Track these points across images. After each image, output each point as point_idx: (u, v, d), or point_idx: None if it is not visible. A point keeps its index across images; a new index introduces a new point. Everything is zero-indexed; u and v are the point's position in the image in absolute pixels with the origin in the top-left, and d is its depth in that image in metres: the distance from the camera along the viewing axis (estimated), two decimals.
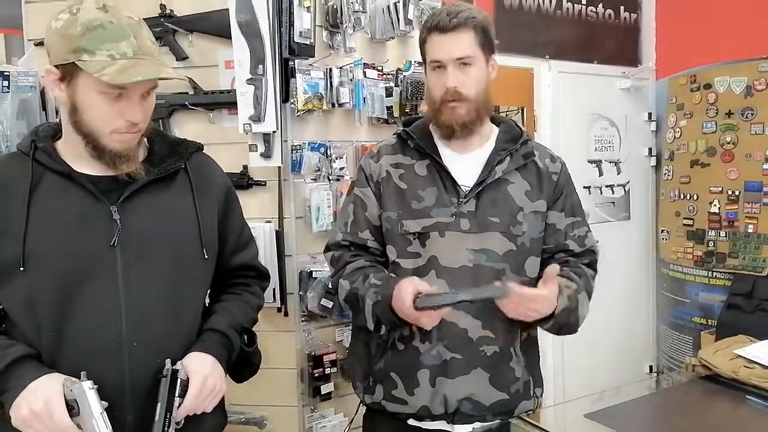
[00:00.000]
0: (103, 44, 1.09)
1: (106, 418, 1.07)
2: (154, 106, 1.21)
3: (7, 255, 1.14)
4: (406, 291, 1.31)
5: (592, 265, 1.55)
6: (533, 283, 1.44)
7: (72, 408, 1.07)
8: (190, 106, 1.99)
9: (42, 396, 1.07)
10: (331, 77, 2.00)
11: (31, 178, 1.17)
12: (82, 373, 1.09)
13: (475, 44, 1.41)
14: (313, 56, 1.97)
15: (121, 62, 1.09)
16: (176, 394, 1.15)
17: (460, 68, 1.41)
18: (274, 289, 1.94)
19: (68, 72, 1.12)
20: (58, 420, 1.06)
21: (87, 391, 1.07)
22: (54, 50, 1.13)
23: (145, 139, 1.28)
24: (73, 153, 1.20)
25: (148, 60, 1.13)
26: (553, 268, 1.34)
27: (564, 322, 1.42)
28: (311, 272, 2.00)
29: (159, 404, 1.13)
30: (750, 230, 2.91)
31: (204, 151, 1.36)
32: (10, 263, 1.14)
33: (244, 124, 1.89)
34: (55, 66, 1.13)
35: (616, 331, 3.68)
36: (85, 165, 1.19)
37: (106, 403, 1.09)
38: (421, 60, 1.54)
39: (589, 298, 1.49)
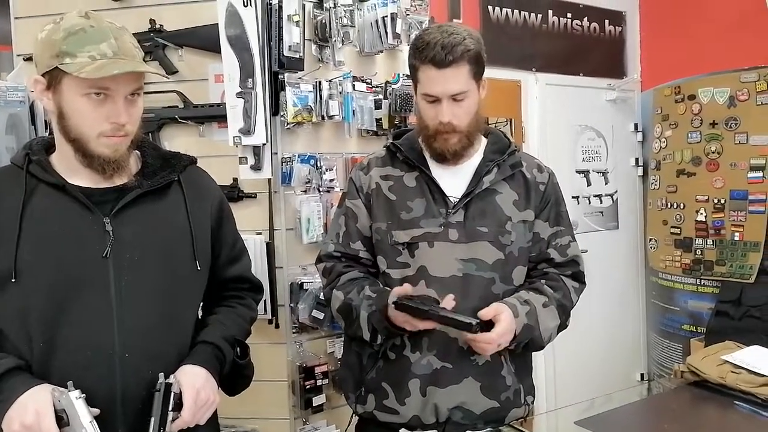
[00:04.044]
0: (84, 47, 1.11)
1: (96, 426, 1.06)
2: (141, 110, 1.22)
3: None
4: (392, 293, 1.35)
5: (577, 277, 1.55)
6: (516, 290, 1.48)
7: (62, 418, 1.07)
8: (179, 120, 2.00)
9: (32, 409, 1.06)
10: (320, 90, 2.01)
11: (25, 191, 1.17)
12: (69, 382, 1.09)
13: (469, 76, 1.40)
14: (303, 69, 1.99)
15: (100, 62, 1.11)
16: (170, 408, 1.14)
17: (455, 102, 1.40)
18: (264, 301, 1.93)
19: (53, 79, 1.13)
20: None
21: (75, 401, 1.07)
22: (39, 59, 1.15)
23: (138, 152, 1.29)
24: (66, 165, 1.21)
25: (128, 60, 1.14)
26: (488, 311, 1.36)
27: (526, 339, 1.42)
28: (302, 284, 2.01)
29: (152, 418, 1.13)
30: (736, 238, 2.94)
31: (197, 165, 1.37)
32: (3, 275, 1.14)
33: (233, 137, 1.90)
34: (42, 75, 1.15)
35: (606, 339, 3.70)
36: (78, 177, 1.20)
37: (97, 410, 1.09)
38: (409, 73, 1.55)
39: (565, 310, 1.50)
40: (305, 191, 2.04)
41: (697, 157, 3.10)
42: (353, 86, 2.09)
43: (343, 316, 1.48)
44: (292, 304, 2.02)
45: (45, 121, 1.85)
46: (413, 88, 1.50)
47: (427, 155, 1.51)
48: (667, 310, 3.28)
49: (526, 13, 3.44)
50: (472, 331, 1.29)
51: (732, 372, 1.55)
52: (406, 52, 1.89)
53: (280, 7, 1.90)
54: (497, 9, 3.34)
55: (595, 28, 3.73)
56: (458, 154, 1.47)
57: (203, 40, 1.98)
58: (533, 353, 1.58)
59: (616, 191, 3.81)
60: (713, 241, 3.03)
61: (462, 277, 1.43)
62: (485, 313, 1.35)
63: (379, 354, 1.49)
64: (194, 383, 1.19)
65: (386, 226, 1.48)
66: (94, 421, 1.07)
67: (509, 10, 3.38)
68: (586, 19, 3.68)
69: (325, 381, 2.04)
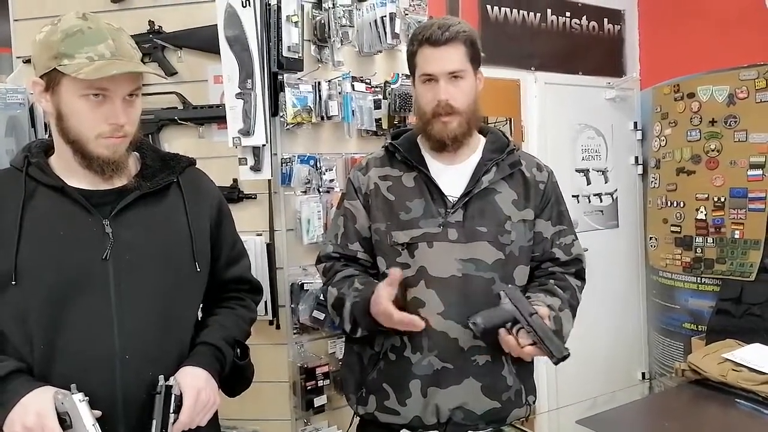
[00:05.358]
0: (82, 48, 1.11)
1: (99, 429, 1.06)
2: (140, 111, 1.22)
3: None
4: (382, 293, 1.34)
5: (580, 275, 1.56)
6: (522, 290, 1.47)
7: (64, 421, 1.07)
8: (179, 121, 2.00)
9: (34, 411, 1.06)
10: (319, 91, 2.01)
11: (24, 193, 1.17)
12: (72, 385, 1.09)
13: (465, 58, 1.43)
14: (302, 70, 1.99)
15: (98, 63, 1.11)
16: (171, 410, 1.15)
17: (451, 81, 1.42)
18: (265, 302, 1.94)
19: (52, 80, 1.14)
20: None
21: (78, 403, 1.07)
22: (37, 61, 1.15)
23: (137, 154, 1.29)
24: (65, 167, 1.21)
25: (126, 61, 1.14)
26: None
27: None
28: (303, 284, 2.00)
29: (154, 421, 1.13)
30: (737, 236, 2.94)
31: (196, 166, 1.38)
32: (3, 277, 1.14)
33: (233, 138, 1.90)
34: (40, 77, 1.15)
35: (607, 338, 3.70)
36: (77, 179, 1.20)
37: (99, 413, 1.09)
38: (408, 73, 1.55)
39: (574, 311, 1.50)
40: (305, 192, 2.04)
41: (697, 156, 3.10)
42: (352, 86, 2.09)
43: (336, 310, 1.48)
44: (292, 305, 2.02)
45: (45, 123, 1.85)
46: (412, 82, 1.51)
47: (426, 154, 1.51)
48: (668, 309, 3.28)
49: (525, 12, 3.44)
50: (557, 360, 1.28)
51: (733, 370, 1.55)
52: (405, 52, 1.90)
53: (279, 8, 1.90)
54: (496, 8, 3.33)
55: (593, 26, 3.72)
56: (458, 141, 1.46)
57: (202, 41, 1.98)
58: None
59: (616, 190, 3.81)
60: (713, 239, 3.03)
61: (462, 277, 1.43)
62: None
63: (380, 355, 1.49)
64: (195, 385, 1.19)
65: (385, 226, 1.48)
66: (97, 423, 1.07)
67: (508, 10, 3.38)
68: (584, 17, 3.68)
69: (326, 382, 2.03)
